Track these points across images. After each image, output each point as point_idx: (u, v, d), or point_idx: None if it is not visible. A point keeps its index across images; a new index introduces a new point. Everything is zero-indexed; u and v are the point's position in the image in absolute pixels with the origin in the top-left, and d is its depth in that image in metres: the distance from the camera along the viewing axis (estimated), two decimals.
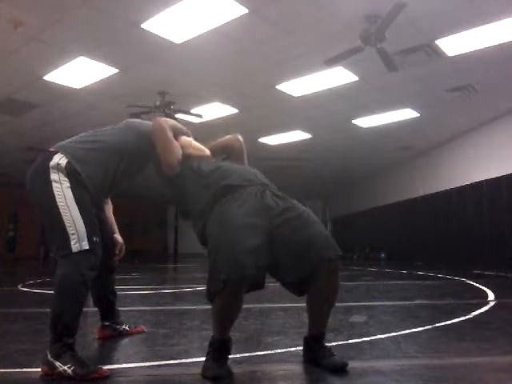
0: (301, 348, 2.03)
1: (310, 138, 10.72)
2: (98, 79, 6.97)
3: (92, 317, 1.89)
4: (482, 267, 8.32)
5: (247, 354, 2.13)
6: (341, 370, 1.82)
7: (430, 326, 2.77)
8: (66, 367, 1.76)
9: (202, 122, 8.82)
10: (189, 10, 4.97)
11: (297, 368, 1.94)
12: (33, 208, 1.98)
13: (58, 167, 1.92)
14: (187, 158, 2.11)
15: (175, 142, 2.10)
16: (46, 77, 6.84)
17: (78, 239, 1.86)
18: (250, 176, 2.00)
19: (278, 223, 1.83)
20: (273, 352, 2.16)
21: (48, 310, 1.89)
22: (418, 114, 8.97)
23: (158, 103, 7.70)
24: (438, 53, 6.12)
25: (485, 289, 4.99)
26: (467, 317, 3.12)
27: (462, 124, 9.89)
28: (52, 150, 2.00)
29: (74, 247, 1.85)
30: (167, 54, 6.17)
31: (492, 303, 3.89)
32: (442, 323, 2.89)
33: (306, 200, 19.20)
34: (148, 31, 5.46)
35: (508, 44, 5.82)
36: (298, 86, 7.38)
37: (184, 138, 2.20)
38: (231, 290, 1.69)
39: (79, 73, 6.70)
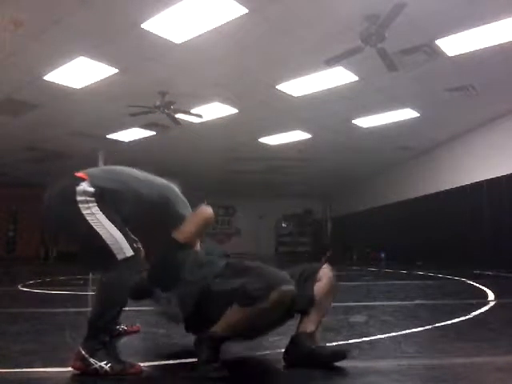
0: None
1: (310, 138, 10.71)
2: (98, 79, 6.97)
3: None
4: (481, 267, 8.32)
5: (247, 354, 2.13)
6: (342, 357, 1.85)
7: (429, 326, 2.77)
8: (102, 364, 1.78)
9: (201, 122, 8.84)
10: (189, 10, 4.97)
11: (296, 368, 1.94)
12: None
13: (84, 191, 1.92)
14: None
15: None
16: (46, 77, 6.83)
17: (122, 249, 1.90)
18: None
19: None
20: (273, 352, 2.16)
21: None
22: (418, 114, 8.96)
23: (157, 103, 7.71)
24: (437, 53, 6.12)
25: (485, 289, 4.99)
26: (467, 317, 3.12)
27: (462, 124, 9.88)
28: (80, 175, 1.99)
29: (119, 256, 1.90)
30: (167, 54, 6.17)
31: (492, 303, 3.89)
32: (442, 323, 2.89)
33: (306, 200, 19.23)
34: (148, 31, 5.46)
35: (508, 44, 5.81)
36: (298, 86, 7.38)
37: None
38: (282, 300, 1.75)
39: (79, 73, 6.69)
